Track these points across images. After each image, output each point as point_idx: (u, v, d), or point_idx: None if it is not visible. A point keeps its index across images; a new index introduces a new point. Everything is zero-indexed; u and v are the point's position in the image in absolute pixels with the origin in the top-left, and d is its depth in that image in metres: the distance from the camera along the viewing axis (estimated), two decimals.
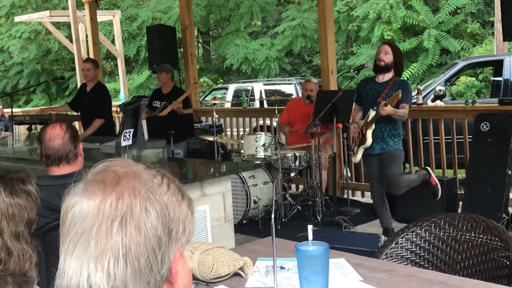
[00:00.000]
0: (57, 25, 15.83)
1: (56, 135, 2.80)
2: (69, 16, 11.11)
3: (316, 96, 6.13)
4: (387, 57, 4.94)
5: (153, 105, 6.81)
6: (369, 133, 5.00)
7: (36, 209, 1.43)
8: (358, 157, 5.10)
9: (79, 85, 10.33)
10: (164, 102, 6.65)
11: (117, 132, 7.88)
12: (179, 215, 0.95)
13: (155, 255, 0.90)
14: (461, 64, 8.58)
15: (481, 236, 2.20)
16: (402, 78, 5.01)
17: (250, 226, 5.78)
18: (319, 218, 5.64)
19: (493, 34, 15.14)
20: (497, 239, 2.15)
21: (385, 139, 4.92)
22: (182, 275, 0.95)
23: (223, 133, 8.04)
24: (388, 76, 4.95)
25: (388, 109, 4.87)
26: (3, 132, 8.04)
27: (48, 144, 2.79)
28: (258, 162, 5.79)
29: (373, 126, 4.93)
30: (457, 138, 5.91)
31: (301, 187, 7.35)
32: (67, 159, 2.82)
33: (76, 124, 10.43)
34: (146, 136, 6.12)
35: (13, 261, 1.36)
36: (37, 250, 1.42)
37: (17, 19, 14.31)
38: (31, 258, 1.40)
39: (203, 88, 17.21)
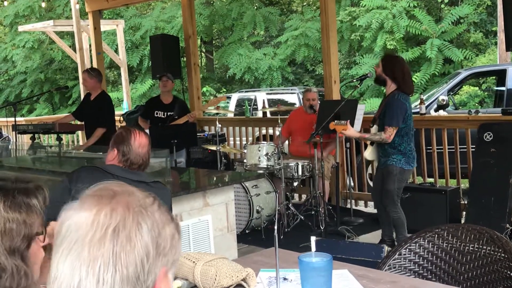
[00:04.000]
0: (61, 34, 15.88)
1: (144, 144, 2.93)
2: (72, 25, 11.15)
3: (319, 105, 6.14)
4: (378, 70, 4.89)
5: (156, 115, 6.77)
6: (369, 145, 5.04)
7: (40, 222, 1.38)
8: (366, 153, 5.09)
9: (82, 94, 10.36)
10: (170, 113, 6.65)
11: None
12: (168, 233, 1.02)
13: (143, 265, 0.97)
14: (464, 73, 8.58)
15: (485, 247, 2.20)
16: (395, 94, 4.76)
17: (252, 236, 5.77)
18: (322, 228, 5.63)
19: (496, 43, 15.15)
20: (500, 250, 2.14)
21: (386, 155, 4.84)
22: None
23: (226, 143, 8.03)
24: (388, 90, 4.89)
25: (348, 133, 4.92)
26: None
27: (137, 150, 2.89)
28: (261, 171, 5.79)
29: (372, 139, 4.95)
30: (460, 148, 5.90)
31: (304, 196, 7.34)
32: (143, 167, 2.95)
33: (79, 134, 10.48)
34: None
35: (7, 278, 1.32)
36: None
37: (20, 28, 14.34)
38: (27, 275, 1.34)
39: (206, 97, 17.25)
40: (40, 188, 1.43)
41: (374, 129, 4.92)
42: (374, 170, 6.79)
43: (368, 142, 5.04)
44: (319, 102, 6.46)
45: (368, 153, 5.03)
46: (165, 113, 6.70)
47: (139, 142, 2.90)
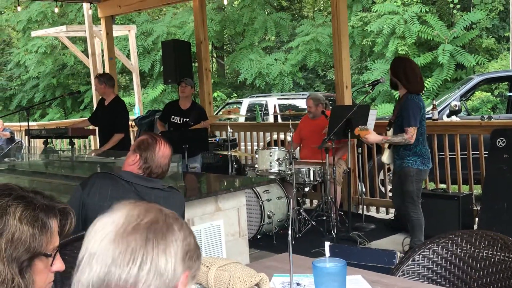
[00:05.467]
0: (73, 39, 15.98)
1: (167, 155, 2.92)
2: (85, 31, 11.22)
3: (331, 110, 6.14)
4: (390, 74, 5.00)
5: (172, 120, 6.80)
6: (386, 149, 5.07)
7: (51, 245, 1.32)
8: (384, 156, 5.11)
9: (94, 99, 10.41)
10: (186, 119, 6.67)
11: None
12: (193, 241, 1.11)
13: (167, 260, 1.04)
14: (476, 79, 8.54)
15: (498, 253, 2.18)
16: (409, 96, 4.82)
17: (264, 241, 5.77)
18: (333, 233, 5.62)
19: (508, 49, 15.08)
20: None
21: (401, 157, 4.89)
22: None
23: (237, 148, 8.04)
24: (401, 93, 4.94)
25: (371, 138, 4.90)
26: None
27: (159, 160, 2.88)
28: (272, 176, 5.78)
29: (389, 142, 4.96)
30: (473, 154, 5.87)
31: (315, 202, 7.33)
32: (161, 177, 2.95)
33: (91, 138, 10.53)
34: None
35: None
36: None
37: (33, 34, 14.45)
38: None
39: (217, 102, 17.28)
40: (66, 213, 1.39)
41: (390, 132, 4.94)
42: (386, 176, 6.79)
43: (386, 146, 5.07)
44: (330, 107, 6.46)
45: (386, 157, 5.08)
46: (181, 119, 6.72)
47: (163, 152, 2.89)
